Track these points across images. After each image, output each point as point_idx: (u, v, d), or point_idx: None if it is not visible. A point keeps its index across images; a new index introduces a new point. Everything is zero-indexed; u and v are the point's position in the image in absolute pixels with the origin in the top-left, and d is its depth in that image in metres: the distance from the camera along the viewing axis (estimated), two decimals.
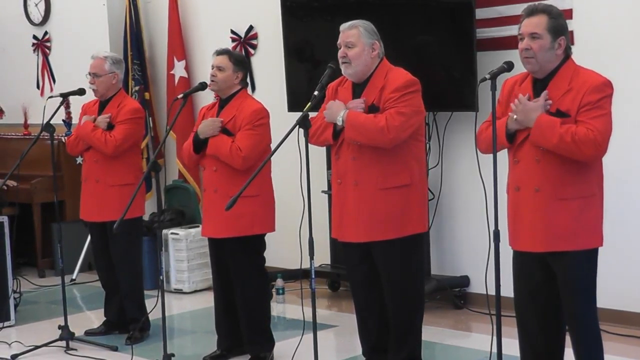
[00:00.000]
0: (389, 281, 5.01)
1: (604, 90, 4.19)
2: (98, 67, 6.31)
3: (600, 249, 4.33)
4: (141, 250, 6.66)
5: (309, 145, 4.57)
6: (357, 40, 4.92)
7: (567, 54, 4.28)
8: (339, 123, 4.87)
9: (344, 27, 4.99)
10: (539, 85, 4.28)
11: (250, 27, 8.10)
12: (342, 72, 4.98)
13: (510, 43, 6.07)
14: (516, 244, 4.36)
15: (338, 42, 4.97)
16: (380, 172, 4.89)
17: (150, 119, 8.57)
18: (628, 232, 6.10)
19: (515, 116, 4.20)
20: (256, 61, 8.11)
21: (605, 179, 4.36)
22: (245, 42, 8.13)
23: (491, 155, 4.20)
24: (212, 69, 5.63)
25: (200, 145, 5.60)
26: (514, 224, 4.34)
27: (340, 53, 4.95)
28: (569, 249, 4.21)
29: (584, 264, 4.27)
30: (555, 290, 4.31)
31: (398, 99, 4.84)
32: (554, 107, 4.19)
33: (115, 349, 6.19)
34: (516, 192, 4.32)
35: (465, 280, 6.94)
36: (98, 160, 6.30)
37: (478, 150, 4.43)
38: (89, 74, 6.32)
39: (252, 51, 8.11)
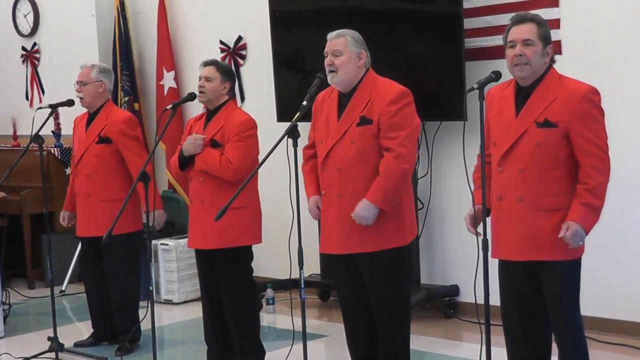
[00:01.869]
0: (374, 293, 4.99)
1: (593, 98, 4.21)
2: (85, 75, 6.33)
3: (587, 257, 4.35)
4: (139, 265, 6.58)
5: (298, 154, 4.58)
6: (344, 48, 4.93)
7: (551, 63, 4.31)
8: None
9: (331, 35, 5.00)
10: (523, 94, 4.30)
11: (240, 38, 8.11)
12: (329, 80, 4.97)
13: (498, 52, 6.07)
14: (499, 252, 4.37)
15: (325, 50, 4.98)
16: (364, 184, 4.86)
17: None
18: (615, 241, 6.11)
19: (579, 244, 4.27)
20: (245, 71, 8.12)
21: None
22: (235, 53, 8.14)
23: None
24: (200, 80, 5.64)
25: (185, 162, 5.61)
26: (496, 233, 4.35)
27: (327, 61, 4.95)
28: (551, 259, 4.23)
29: (569, 272, 4.28)
30: (540, 297, 4.32)
31: (396, 113, 4.83)
32: (541, 117, 4.21)
33: None
34: (499, 201, 4.33)
35: (454, 290, 6.95)
36: (90, 175, 6.29)
37: (466, 160, 4.44)
38: (77, 82, 6.33)
39: (241, 61, 8.12)
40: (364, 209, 4.81)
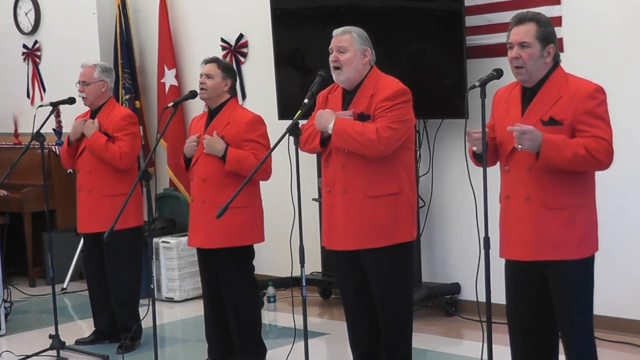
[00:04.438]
0: (378, 289, 5.00)
1: (598, 96, 4.17)
2: (87, 75, 6.32)
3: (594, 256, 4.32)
4: (141, 260, 6.57)
5: (300, 153, 4.57)
6: (349, 45, 4.92)
7: (556, 62, 4.28)
8: (329, 132, 4.87)
9: (337, 32, 4.99)
10: (529, 93, 4.27)
11: (241, 36, 8.11)
12: (333, 78, 4.97)
13: (499, 50, 6.09)
14: (506, 252, 4.35)
15: (330, 46, 4.97)
16: (368, 180, 4.88)
17: (140, 127, 8.55)
18: (621, 239, 6.10)
19: (519, 146, 4.14)
20: (246, 69, 8.11)
21: (598, 186, 4.36)
22: (236, 51, 8.14)
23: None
24: (201, 77, 5.64)
25: (189, 163, 5.66)
26: (504, 233, 4.34)
27: (331, 57, 4.94)
28: (558, 258, 4.20)
29: (577, 272, 4.24)
30: (546, 297, 4.29)
31: (389, 108, 4.83)
32: (546, 115, 4.18)
33: (106, 357, 6.18)
34: (506, 200, 4.31)
35: (456, 288, 6.94)
36: (91, 171, 6.29)
37: (467, 158, 4.43)
38: (79, 82, 6.33)
39: (242, 59, 8.12)
40: (328, 113, 4.86)
